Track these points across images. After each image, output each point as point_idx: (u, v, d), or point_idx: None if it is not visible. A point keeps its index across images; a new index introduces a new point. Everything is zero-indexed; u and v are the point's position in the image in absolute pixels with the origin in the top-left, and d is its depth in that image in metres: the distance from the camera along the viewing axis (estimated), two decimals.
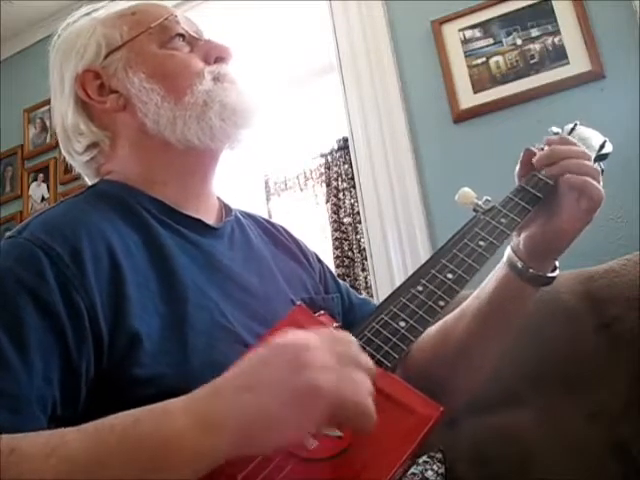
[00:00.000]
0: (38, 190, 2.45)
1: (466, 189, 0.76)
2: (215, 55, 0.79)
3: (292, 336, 0.49)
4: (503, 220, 0.71)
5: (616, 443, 0.98)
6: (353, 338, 0.51)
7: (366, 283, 2.91)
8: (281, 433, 0.44)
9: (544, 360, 1.07)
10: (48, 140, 2.48)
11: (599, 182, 0.71)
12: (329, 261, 3.02)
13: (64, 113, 0.79)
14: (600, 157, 0.80)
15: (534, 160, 0.75)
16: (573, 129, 0.83)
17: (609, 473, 0.96)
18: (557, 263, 0.76)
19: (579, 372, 1.05)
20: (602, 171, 0.80)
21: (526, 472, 0.99)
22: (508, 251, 0.76)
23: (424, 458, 1.02)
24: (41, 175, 2.46)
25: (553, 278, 0.76)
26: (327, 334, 0.50)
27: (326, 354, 0.46)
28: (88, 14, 0.82)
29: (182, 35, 0.79)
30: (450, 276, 0.65)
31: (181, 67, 0.76)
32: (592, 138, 0.82)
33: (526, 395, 1.07)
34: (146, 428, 0.45)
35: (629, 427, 0.98)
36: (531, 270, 0.74)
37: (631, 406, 0.99)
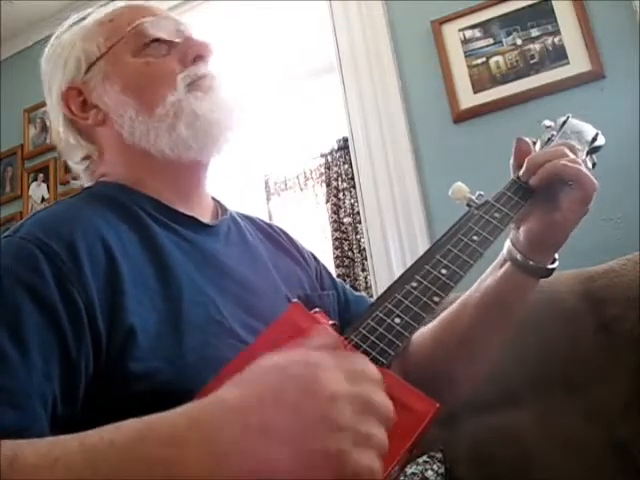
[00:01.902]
0: (38, 190, 2.45)
1: (459, 184, 0.76)
2: (193, 55, 0.77)
3: (312, 372, 0.44)
4: (497, 215, 0.71)
5: (616, 443, 0.98)
6: (378, 375, 0.47)
7: (366, 283, 2.92)
8: None
9: (544, 360, 1.07)
10: (48, 140, 2.48)
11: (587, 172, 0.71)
12: (329, 261, 3.02)
13: (57, 126, 0.81)
14: (593, 150, 0.80)
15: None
16: (565, 122, 0.83)
17: (609, 473, 0.96)
18: (556, 255, 0.77)
19: (579, 372, 1.05)
20: (594, 164, 0.81)
21: (526, 472, 0.99)
22: (508, 244, 0.76)
23: (424, 458, 1.02)
24: (41, 175, 2.46)
25: (553, 270, 0.76)
26: (349, 367, 0.45)
27: (348, 407, 0.42)
28: (77, 23, 0.82)
29: (157, 39, 0.77)
30: (444, 272, 0.64)
31: (154, 76, 0.75)
32: (584, 131, 0.82)
33: (526, 395, 1.07)
34: (154, 449, 0.43)
35: (629, 427, 0.98)
36: (531, 262, 0.74)
37: (631, 406, 0.99)
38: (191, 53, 0.77)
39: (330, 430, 0.41)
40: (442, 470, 1.01)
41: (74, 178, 0.84)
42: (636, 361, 1.01)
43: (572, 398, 1.04)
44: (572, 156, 0.73)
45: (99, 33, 0.79)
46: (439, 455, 1.03)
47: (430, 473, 0.99)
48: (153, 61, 0.76)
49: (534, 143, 0.78)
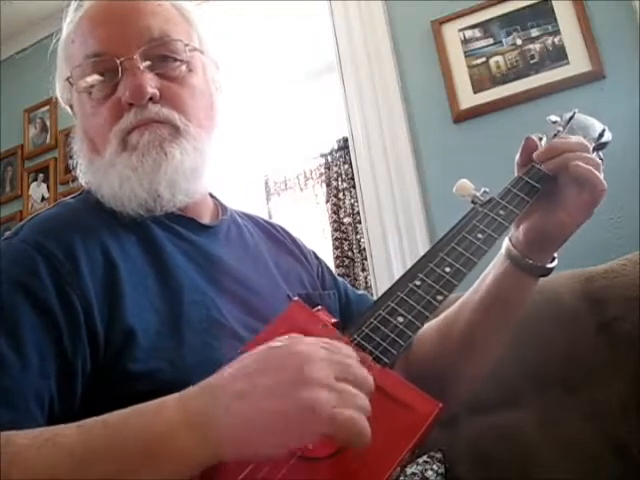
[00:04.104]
0: (38, 190, 2.45)
1: (464, 180, 0.75)
2: (125, 101, 0.69)
3: (293, 343, 0.47)
4: (502, 212, 0.70)
5: (616, 443, 0.98)
6: (352, 351, 0.49)
7: (366, 283, 2.91)
8: (273, 444, 0.43)
9: (544, 360, 1.07)
10: (48, 140, 2.48)
11: (600, 173, 0.71)
12: (329, 261, 3.02)
13: None
14: (599, 146, 0.79)
15: (534, 155, 0.75)
16: (572, 117, 0.82)
17: (609, 473, 0.96)
18: (555, 254, 0.76)
19: (579, 372, 1.05)
20: (601, 160, 0.80)
21: (526, 472, 0.99)
22: (506, 242, 0.76)
23: (424, 458, 1.02)
24: (41, 175, 2.46)
25: (552, 269, 0.75)
26: (327, 343, 0.48)
27: (326, 369, 0.45)
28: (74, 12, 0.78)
29: (101, 72, 0.70)
30: (448, 270, 0.64)
31: (95, 129, 0.71)
32: (591, 127, 0.81)
33: (526, 395, 1.07)
34: (138, 423, 0.45)
35: (629, 427, 0.98)
36: (530, 261, 0.73)
37: (631, 406, 0.99)
38: (124, 99, 0.69)
39: (312, 388, 0.43)
40: (442, 470, 1.01)
41: (74, 179, 0.82)
42: (636, 361, 1.01)
43: (572, 398, 1.04)
44: (591, 155, 0.72)
45: (66, 53, 0.76)
46: (439, 455, 1.03)
47: (430, 473, 0.99)
48: (96, 107, 0.71)
49: (540, 139, 0.77)
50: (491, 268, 0.77)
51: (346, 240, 3.09)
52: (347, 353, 0.48)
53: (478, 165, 1.61)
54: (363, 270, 2.98)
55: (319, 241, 3.13)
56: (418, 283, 0.62)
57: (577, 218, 0.72)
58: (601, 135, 0.80)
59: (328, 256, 3.04)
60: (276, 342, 0.48)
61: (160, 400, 0.47)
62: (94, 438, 0.45)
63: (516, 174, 0.77)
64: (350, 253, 3.06)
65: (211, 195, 0.84)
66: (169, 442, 0.44)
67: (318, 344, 0.47)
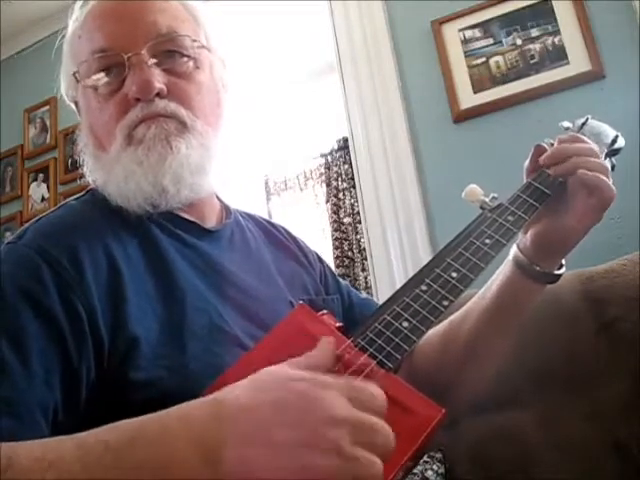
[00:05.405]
0: (38, 190, 2.45)
1: (473, 186, 0.74)
2: (132, 97, 0.68)
3: (315, 394, 0.43)
4: (510, 218, 0.69)
5: (616, 443, 0.98)
6: (382, 398, 0.46)
7: (366, 283, 2.91)
8: None
9: (544, 360, 1.07)
10: (48, 140, 2.48)
11: (608, 179, 0.70)
12: (329, 261, 3.02)
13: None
14: (612, 152, 0.79)
15: (541, 159, 0.74)
16: (584, 124, 0.81)
17: (609, 473, 0.96)
18: (563, 261, 0.75)
19: (579, 372, 1.05)
20: (613, 166, 0.79)
21: (526, 472, 0.99)
22: (514, 249, 0.75)
23: (424, 458, 1.02)
24: (41, 175, 2.46)
25: (559, 276, 0.75)
26: (355, 390, 0.44)
27: (345, 433, 0.41)
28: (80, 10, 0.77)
29: (108, 68, 0.70)
30: (454, 275, 0.63)
31: (101, 124, 0.71)
32: (603, 132, 0.81)
33: (526, 395, 1.07)
34: (144, 451, 0.42)
35: (629, 427, 0.98)
36: (537, 268, 0.73)
37: (631, 406, 0.99)
38: (130, 95, 0.68)
39: (326, 451, 0.41)
40: (442, 470, 1.01)
41: (81, 176, 0.79)
42: (636, 361, 1.01)
43: (572, 398, 1.04)
44: (600, 160, 0.71)
45: (72, 48, 0.75)
46: (439, 455, 1.03)
47: (430, 473, 0.99)
48: (102, 103, 0.71)
49: (552, 145, 0.77)
50: (498, 274, 0.77)
51: (346, 240, 3.09)
52: (375, 406, 0.45)
53: (478, 165, 1.61)
54: (363, 270, 2.98)
55: (319, 241, 3.13)
56: (424, 288, 0.62)
57: (585, 223, 0.71)
58: (614, 141, 0.79)
59: (328, 256, 3.04)
60: (299, 383, 0.44)
61: (165, 425, 0.44)
62: (99, 464, 0.42)
63: (525, 180, 0.76)
64: (350, 253, 3.06)
65: (217, 197, 0.83)
66: (179, 474, 0.41)
67: (345, 396, 0.43)
